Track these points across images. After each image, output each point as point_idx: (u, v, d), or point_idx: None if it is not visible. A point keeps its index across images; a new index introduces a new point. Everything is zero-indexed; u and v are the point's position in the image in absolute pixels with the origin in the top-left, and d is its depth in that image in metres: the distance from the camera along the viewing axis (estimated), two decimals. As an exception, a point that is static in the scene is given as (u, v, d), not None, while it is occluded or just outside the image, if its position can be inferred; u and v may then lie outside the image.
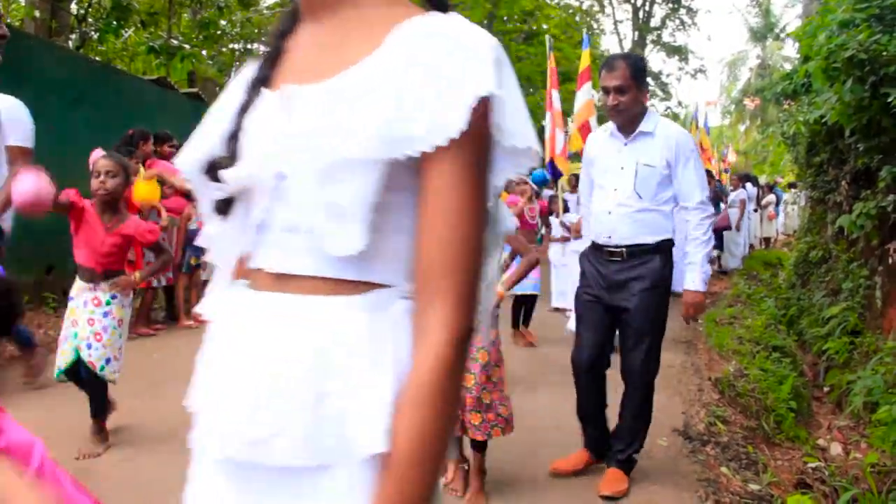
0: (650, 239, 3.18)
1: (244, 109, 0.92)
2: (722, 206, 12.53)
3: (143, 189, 5.65)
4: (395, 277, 0.85)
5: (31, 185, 2.77)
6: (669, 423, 4.08)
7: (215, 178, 0.92)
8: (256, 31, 18.20)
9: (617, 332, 3.33)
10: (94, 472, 3.21)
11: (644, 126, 3.21)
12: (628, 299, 3.16)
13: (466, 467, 3.16)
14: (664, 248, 3.21)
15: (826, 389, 5.71)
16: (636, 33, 28.24)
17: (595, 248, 3.32)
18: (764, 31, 33.72)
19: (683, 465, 3.55)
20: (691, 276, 3.21)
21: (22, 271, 6.38)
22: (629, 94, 3.17)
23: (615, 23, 30.64)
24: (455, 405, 0.82)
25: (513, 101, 0.84)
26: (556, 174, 7.52)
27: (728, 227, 12.66)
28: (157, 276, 5.98)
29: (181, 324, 6.48)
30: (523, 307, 6.35)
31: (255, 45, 19.46)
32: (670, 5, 25.10)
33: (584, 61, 7.32)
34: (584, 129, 6.64)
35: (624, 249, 3.18)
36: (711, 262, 11.73)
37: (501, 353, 3.10)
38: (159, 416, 3.89)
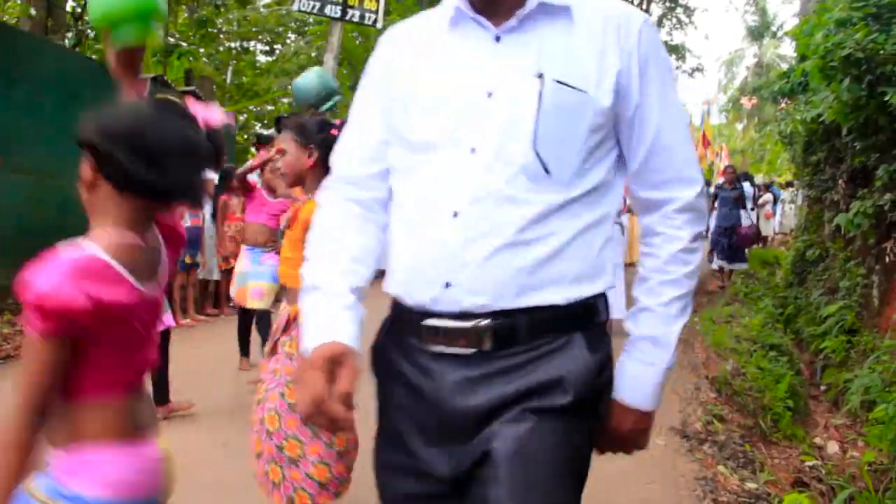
0: (560, 294, 1.20)
1: None
2: (742, 212, 10.32)
3: None
4: None
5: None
6: (667, 422, 4.08)
7: None
8: (253, 29, 18.17)
9: None
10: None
11: None
12: (497, 439, 1.16)
13: None
14: (593, 317, 1.26)
15: (823, 388, 5.72)
16: (633, 32, 28.19)
17: (400, 323, 1.29)
18: (761, 30, 33.76)
19: (681, 464, 3.55)
20: (641, 367, 1.29)
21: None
22: None
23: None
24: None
25: None
26: None
27: (758, 239, 11.18)
28: None
29: (178, 323, 6.45)
30: None
31: (252, 44, 19.45)
32: (667, 4, 25.06)
33: None
34: None
35: (487, 325, 1.19)
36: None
37: None
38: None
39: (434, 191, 1.22)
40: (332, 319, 1.20)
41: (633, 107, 1.22)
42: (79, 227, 1.24)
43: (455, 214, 1.18)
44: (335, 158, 1.38)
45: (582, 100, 1.19)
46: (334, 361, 1.13)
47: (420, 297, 1.22)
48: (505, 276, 1.17)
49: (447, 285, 1.18)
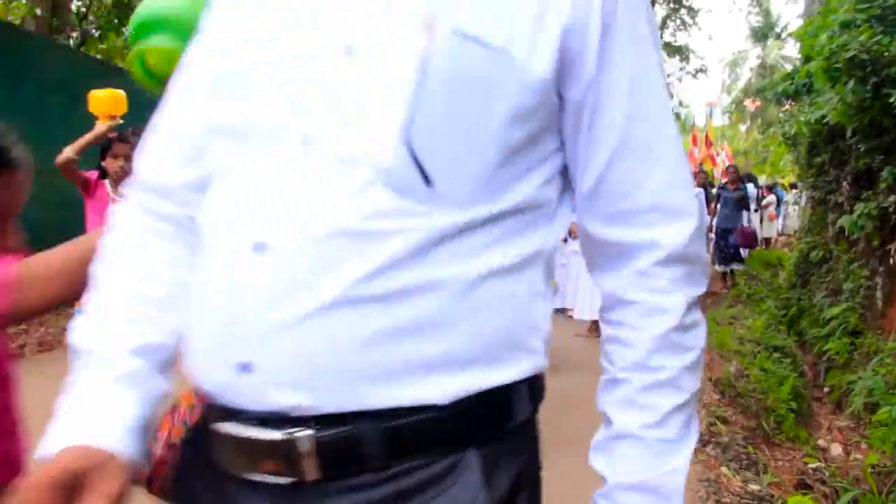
0: (440, 387, 0.67)
1: None
2: (744, 213, 10.00)
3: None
4: None
5: None
6: (670, 424, 4.08)
7: None
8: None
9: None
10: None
11: None
12: None
13: None
14: (502, 420, 0.71)
15: (826, 390, 5.71)
16: (637, 33, 28.14)
17: (201, 423, 0.78)
18: (765, 31, 33.73)
19: (684, 466, 3.54)
20: None
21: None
22: None
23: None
24: None
25: None
26: None
27: (755, 242, 10.73)
28: None
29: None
30: None
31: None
32: (671, 5, 25.04)
33: None
34: None
35: (309, 438, 0.66)
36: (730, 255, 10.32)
37: None
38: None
39: (233, 207, 0.71)
40: (88, 405, 0.69)
41: (585, 84, 0.71)
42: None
43: (260, 248, 0.67)
44: (139, 157, 0.86)
45: (499, 64, 0.67)
46: (77, 479, 0.62)
47: (208, 385, 0.71)
48: (338, 354, 0.65)
49: (244, 368, 0.67)
